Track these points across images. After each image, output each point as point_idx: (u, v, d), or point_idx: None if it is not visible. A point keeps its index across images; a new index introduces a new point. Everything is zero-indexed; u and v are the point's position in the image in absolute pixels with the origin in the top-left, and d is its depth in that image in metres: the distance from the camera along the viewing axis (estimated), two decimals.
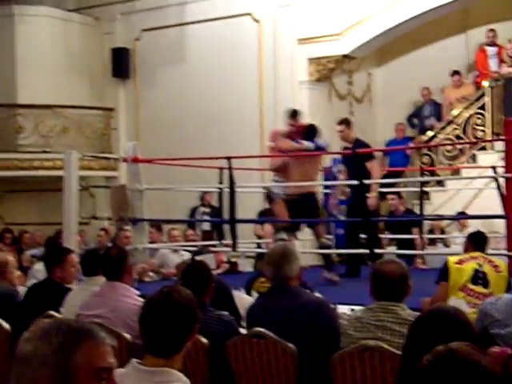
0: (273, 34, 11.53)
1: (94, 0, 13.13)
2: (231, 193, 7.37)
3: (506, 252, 6.22)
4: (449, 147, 11.05)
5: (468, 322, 2.31)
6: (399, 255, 7.35)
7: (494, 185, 7.59)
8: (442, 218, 9.85)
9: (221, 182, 8.46)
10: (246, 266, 9.45)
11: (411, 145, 11.58)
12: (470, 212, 9.64)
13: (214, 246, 8.29)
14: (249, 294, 5.34)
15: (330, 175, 9.94)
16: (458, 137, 11.01)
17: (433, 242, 9.77)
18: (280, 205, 7.58)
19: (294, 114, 7.74)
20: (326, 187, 9.43)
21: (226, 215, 7.87)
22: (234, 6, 11.79)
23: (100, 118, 13.00)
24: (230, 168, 7.41)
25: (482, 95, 10.94)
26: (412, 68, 12.51)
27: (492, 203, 7.47)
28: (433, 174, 10.88)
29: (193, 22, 12.19)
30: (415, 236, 8.67)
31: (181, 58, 12.35)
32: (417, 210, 9.06)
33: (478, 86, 11.50)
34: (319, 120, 10.88)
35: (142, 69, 12.81)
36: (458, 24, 12.30)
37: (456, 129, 11.06)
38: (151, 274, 8.28)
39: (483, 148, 10.92)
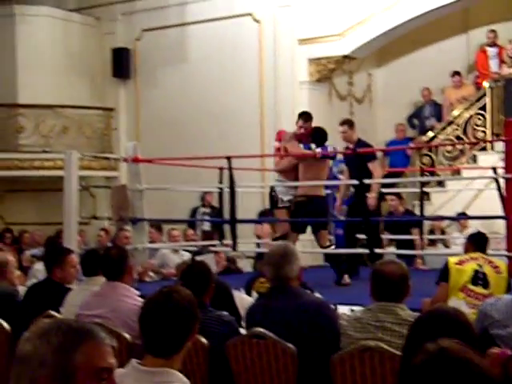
0: (273, 34, 11.53)
1: (95, 0, 13.13)
2: (231, 193, 7.37)
3: (506, 253, 6.22)
4: (449, 148, 11.05)
5: (468, 323, 2.31)
6: (399, 255, 7.36)
7: (494, 185, 7.58)
8: (441, 218, 9.85)
9: (221, 182, 8.46)
10: (246, 266, 9.44)
11: (411, 145, 11.58)
12: (470, 213, 9.63)
13: (214, 246, 8.29)
14: (249, 294, 5.34)
15: (330, 175, 9.94)
16: (458, 137, 11.01)
17: (433, 242, 9.77)
18: (283, 215, 7.58)
19: (307, 117, 7.70)
20: (327, 187, 9.43)
21: (226, 215, 7.87)
22: (235, 7, 11.79)
23: (100, 118, 13.00)
24: (230, 168, 7.41)
25: (483, 96, 10.94)
26: (412, 68, 12.51)
27: (492, 204, 7.46)
28: (433, 174, 10.88)
29: (193, 23, 12.19)
30: (415, 236, 8.67)
31: (181, 58, 12.35)
32: (417, 211, 9.06)
33: (478, 86, 11.50)
34: (319, 120, 10.91)
35: (143, 69, 12.82)
36: (458, 25, 12.31)
37: (456, 129, 11.06)
38: (151, 274, 8.28)
39: (483, 149, 10.92)
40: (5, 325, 4.61)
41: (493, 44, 11.53)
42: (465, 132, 10.99)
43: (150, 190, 8.14)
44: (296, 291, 3.86)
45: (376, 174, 7.68)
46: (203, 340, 3.72)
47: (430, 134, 11.31)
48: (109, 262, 4.43)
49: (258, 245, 9.25)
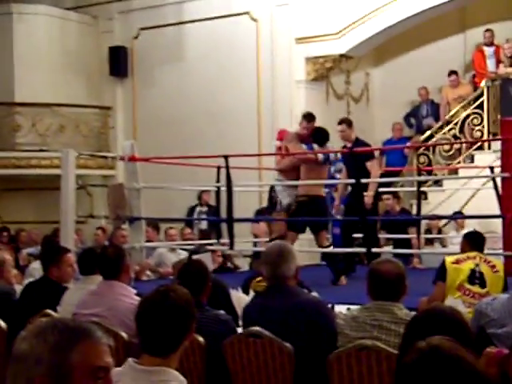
0: (270, 33, 11.52)
1: None
2: (228, 192, 7.37)
3: (502, 252, 6.24)
4: (446, 147, 11.06)
5: (464, 322, 2.32)
6: (396, 254, 7.37)
7: (491, 184, 7.59)
8: (438, 217, 9.86)
9: (218, 181, 8.46)
10: (243, 265, 9.44)
11: (409, 144, 11.59)
12: (467, 212, 9.65)
13: (211, 245, 8.28)
14: (246, 293, 5.34)
15: (328, 175, 9.94)
16: (455, 136, 11.03)
17: (430, 241, 9.78)
18: (281, 224, 7.60)
19: (310, 117, 7.70)
20: (325, 187, 9.44)
21: (223, 214, 7.87)
22: (232, 5, 11.78)
23: (97, 117, 12.98)
24: (227, 167, 7.41)
25: (480, 95, 10.95)
26: (410, 68, 12.52)
27: (489, 203, 7.47)
28: (430, 173, 10.89)
29: (191, 21, 12.18)
30: (412, 236, 8.68)
31: (178, 57, 12.34)
32: (414, 210, 9.07)
33: (475, 86, 11.52)
34: (317, 119, 10.91)
35: (140, 67, 12.80)
36: (455, 24, 12.32)
37: (453, 129, 11.08)
38: (148, 272, 8.27)
39: (480, 148, 10.93)
40: (1, 323, 4.60)
41: (490, 43, 11.54)
42: (462, 131, 11.00)
43: (147, 189, 8.14)
44: (293, 290, 3.86)
45: (374, 173, 7.70)
46: (200, 339, 3.72)
47: (427, 133, 11.32)
48: (106, 260, 4.43)
49: (255, 244, 9.25)
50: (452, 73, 11.66)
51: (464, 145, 11.02)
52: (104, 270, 4.43)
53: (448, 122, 11.20)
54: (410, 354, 1.64)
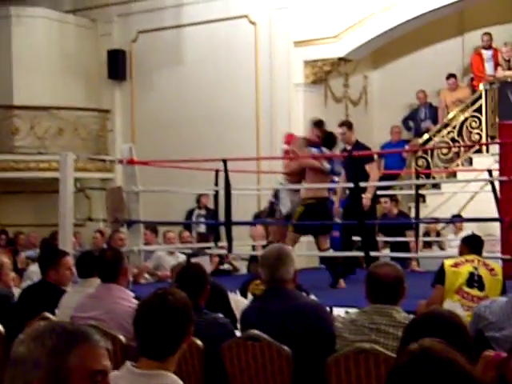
0: (269, 36, 11.53)
1: (91, 1, 13.13)
2: (227, 195, 7.37)
3: (500, 255, 6.23)
4: (444, 150, 11.07)
5: (462, 326, 2.32)
6: (395, 258, 7.37)
7: (489, 188, 7.60)
8: (436, 221, 9.87)
9: (216, 185, 8.46)
10: (241, 268, 9.43)
11: (407, 147, 11.60)
12: (465, 215, 9.65)
13: (209, 248, 8.28)
14: (244, 296, 5.34)
15: None
16: (453, 140, 11.03)
17: (428, 244, 9.79)
18: (278, 228, 7.58)
19: (320, 124, 7.71)
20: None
21: (221, 217, 7.87)
22: (231, 8, 11.80)
23: (96, 120, 12.99)
24: (225, 170, 7.42)
25: (478, 98, 10.96)
26: (408, 71, 12.53)
27: (487, 206, 7.48)
28: (428, 176, 10.90)
29: (189, 24, 12.19)
30: (410, 239, 8.68)
31: (177, 60, 12.35)
32: (413, 213, 9.07)
33: (473, 89, 11.53)
34: None
35: (139, 71, 12.81)
36: (453, 27, 12.34)
37: (451, 132, 11.08)
38: (146, 276, 8.27)
39: (479, 151, 10.94)
40: None
41: (488, 47, 11.55)
42: (460, 134, 11.01)
43: (145, 192, 8.13)
44: (291, 293, 3.86)
45: (373, 175, 7.74)
46: (198, 342, 3.72)
47: (426, 136, 11.33)
48: (104, 263, 4.43)
49: (254, 247, 9.25)
50: (450, 76, 11.68)
51: (462, 148, 11.03)
52: (102, 273, 4.43)
53: (446, 125, 11.21)
54: (401, 357, 1.64)
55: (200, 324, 3.58)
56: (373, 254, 6.94)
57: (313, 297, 4.77)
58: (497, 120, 10.34)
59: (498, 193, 6.89)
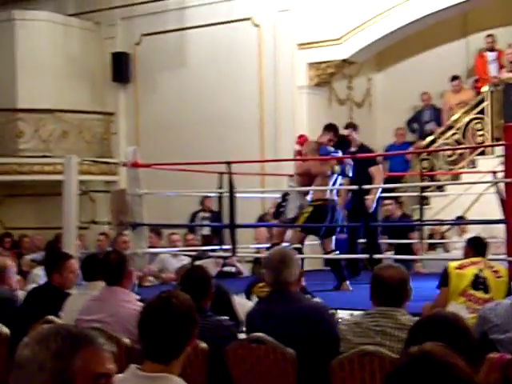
0: (273, 38, 11.54)
1: (95, 5, 13.14)
2: (231, 197, 7.37)
3: (506, 257, 6.22)
4: (449, 152, 11.05)
5: (467, 328, 2.31)
6: (399, 260, 7.35)
7: (493, 190, 7.58)
8: (440, 223, 9.85)
9: (220, 187, 8.46)
10: (246, 270, 9.43)
11: (411, 149, 11.59)
12: (469, 217, 9.63)
13: (213, 250, 8.28)
14: (248, 298, 5.34)
15: None
16: (457, 141, 11.02)
17: (433, 246, 9.77)
18: (282, 230, 7.58)
19: (332, 127, 7.70)
20: None
21: (225, 220, 7.87)
22: (234, 11, 11.80)
23: (100, 123, 13.00)
24: (229, 173, 7.42)
25: (482, 100, 10.95)
26: (412, 73, 12.52)
27: (492, 208, 7.46)
28: (433, 178, 10.88)
29: (193, 27, 12.20)
30: (414, 241, 8.67)
31: (181, 63, 12.36)
32: (417, 215, 9.05)
33: (477, 91, 11.52)
34: (319, 125, 10.91)
35: (142, 73, 12.82)
36: (457, 29, 12.32)
37: (456, 133, 11.07)
38: (151, 278, 8.27)
39: (483, 153, 10.93)
40: (4, 329, 4.60)
41: (491, 49, 11.54)
42: (464, 136, 11.00)
43: (149, 195, 8.14)
44: (295, 296, 3.86)
45: (377, 178, 7.77)
46: (203, 345, 3.72)
47: (430, 138, 11.32)
48: (108, 266, 4.43)
49: (258, 249, 9.25)
50: (454, 78, 11.67)
51: (467, 150, 11.02)
52: (107, 275, 4.43)
53: (450, 127, 11.20)
54: (401, 359, 1.64)
55: (204, 326, 3.58)
56: (377, 256, 6.93)
57: (317, 299, 4.77)
58: (501, 122, 10.32)
59: (503, 194, 6.87)
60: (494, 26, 11.87)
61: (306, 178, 7.51)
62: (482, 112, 10.90)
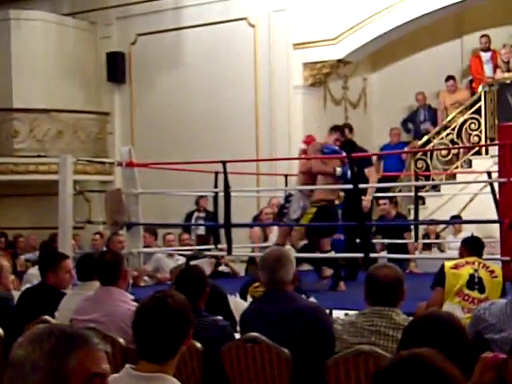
0: (268, 38, 11.54)
1: (90, 4, 13.13)
2: (226, 197, 7.37)
3: (500, 257, 6.23)
4: (444, 152, 11.07)
5: (461, 328, 2.31)
6: (393, 259, 7.36)
7: (488, 189, 7.60)
8: (435, 222, 9.87)
9: (216, 187, 8.46)
10: (240, 270, 9.43)
11: (406, 149, 11.60)
12: (465, 216, 9.65)
13: (209, 250, 8.28)
14: (244, 298, 5.34)
15: None
16: (452, 141, 11.04)
17: (428, 246, 9.79)
18: (285, 230, 7.58)
19: (337, 128, 7.71)
20: None
21: (221, 219, 7.87)
22: (230, 11, 11.80)
23: (95, 123, 12.99)
24: (225, 172, 7.41)
25: (477, 100, 10.97)
26: (407, 73, 12.54)
27: (487, 208, 7.48)
28: (428, 178, 10.90)
29: (188, 27, 12.19)
30: (409, 240, 8.68)
31: (176, 63, 12.35)
32: (412, 215, 9.07)
33: (472, 91, 11.54)
34: (314, 125, 10.94)
35: (138, 73, 12.81)
36: (452, 29, 12.35)
37: (451, 134, 11.09)
38: (146, 278, 8.26)
39: (478, 153, 10.95)
40: None
41: (486, 49, 11.57)
42: (459, 136, 11.02)
43: (144, 195, 8.13)
44: (291, 295, 3.86)
45: (372, 179, 7.81)
46: (198, 345, 3.71)
47: (425, 138, 11.33)
48: (103, 266, 4.42)
49: (253, 249, 9.25)
50: (449, 78, 11.68)
51: (462, 150, 11.04)
52: (102, 275, 4.42)
53: (445, 127, 11.22)
54: (390, 360, 1.64)
55: (199, 326, 3.58)
56: (371, 255, 6.93)
57: (312, 299, 4.77)
58: (496, 122, 10.35)
59: (498, 195, 6.89)
60: (488, 26, 11.89)
61: (308, 177, 7.51)
62: (476, 112, 10.91)
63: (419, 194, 8.89)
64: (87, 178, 12.14)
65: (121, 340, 3.95)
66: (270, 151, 11.23)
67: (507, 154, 6.36)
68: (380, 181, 9.43)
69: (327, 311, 4.27)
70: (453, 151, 11.06)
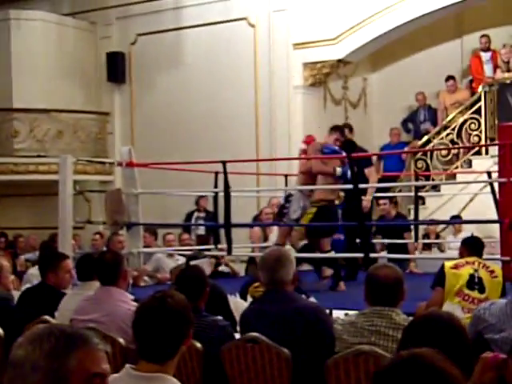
0: (268, 38, 11.54)
1: (90, 4, 13.13)
2: (226, 197, 7.37)
3: (500, 257, 6.23)
4: (444, 152, 11.07)
5: (461, 328, 2.31)
6: (393, 259, 7.36)
7: (488, 189, 7.60)
8: (435, 222, 9.87)
9: (216, 187, 8.46)
10: (241, 270, 9.43)
11: (406, 149, 11.60)
12: (465, 216, 9.65)
13: (209, 250, 8.28)
14: (244, 298, 5.34)
15: None
16: (452, 141, 11.04)
17: (428, 246, 9.79)
18: (285, 230, 7.58)
19: (337, 128, 7.71)
20: None
21: (221, 219, 7.87)
22: (230, 11, 11.80)
23: (95, 123, 12.99)
24: (225, 172, 7.42)
25: (477, 100, 10.97)
26: (407, 73, 12.54)
27: (487, 208, 7.48)
28: (428, 178, 10.90)
29: (188, 27, 12.20)
30: (408, 240, 8.68)
31: (176, 63, 12.35)
32: (412, 215, 9.07)
33: (472, 91, 11.54)
34: (314, 125, 10.94)
35: (138, 73, 12.81)
36: (452, 29, 12.35)
37: (451, 134, 11.09)
38: (146, 278, 8.26)
39: (478, 153, 10.95)
40: None
41: (486, 49, 11.57)
42: (459, 136, 11.02)
43: (144, 195, 8.13)
44: (291, 295, 3.86)
45: (372, 179, 7.83)
46: (198, 345, 3.71)
47: (425, 138, 11.34)
48: (103, 266, 4.42)
49: (253, 249, 9.26)
50: (449, 78, 11.69)
51: (462, 150, 11.04)
52: (102, 275, 4.42)
53: (445, 127, 11.22)
54: (391, 360, 1.64)
55: (199, 326, 3.58)
56: (371, 255, 6.93)
57: (312, 299, 4.77)
58: (496, 122, 10.35)
59: (498, 195, 6.89)
60: (488, 26, 11.89)
61: (308, 176, 7.51)
62: (476, 112, 10.92)
63: (419, 194, 8.89)
64: (87, 178, 12.14)
65: (121, 340, 3.95)
66: (269, 151, 11.23)
67: (507, 154, 6.36)
68: (380, 181, 9.43)
69: (327, 311, 4.27)
70: (453, 151, 11.06)
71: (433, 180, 10.99)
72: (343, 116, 12.20)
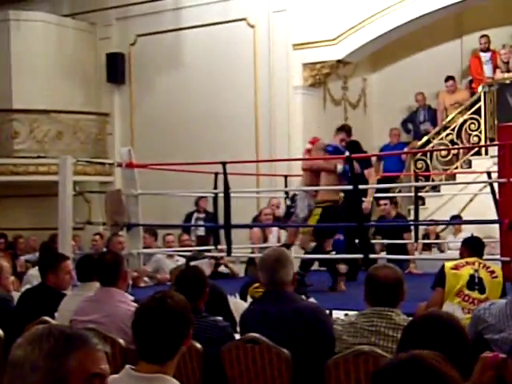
0: (267, 39, 11.54)
1: (90, 5, 13.13)
2: (226, 198, 7.37)
3: (500, 257, 6.23)
4: (443, 152, 11.08)
5: (461, 328, 2.31)
6: (393, 260, 7.36)
7: (488, 190, 7.60)
8: (434, 222, 9.87)
9: (215, 188, 8.46)
10: (240, 271, 9.43)
11: (406, 150, 11.61)
12: (464, 217, 9.66)
13: (209, 251, 8.28)
14: (244, 299, 5.34)
15: None
16: (452, 142, 11.04)
17: (428, 246, 9.79)
18: (292, 230, 7.57)
19: (342, 128, 7.71)
20: None
21: (220, 220, 7.87)
22: (230, 12, 11.80)
23: (95, 123, 12.99)
24: (224, 173, 7.42)
25: (477, 101, 10.97)
26: (407, 73, 12.55)
27: (487, 208, 7.48)
28: (428, 179, 10.91)
29: (188, 28, 12.20)
30: (408, 241, 8.67)
31: (176, 63, 12.35)
32: (412, 215, 9.07)
33: (472, 91, 11.55)
34: (313, 125, 10.94)
35: (138, 74, 12.81)
36: (452, 30, 12.36)
37: (450, 134, 11.09)
38: (146, 279, 8.26)
39: (478, 153, 10.95)
40: None
41: (485, 49, 11.58)
42: (459, 137, 11.02)
43: (144, 196, 8.13)
44: (290, 296, 3.86)
45: (371, 180, 7.85)
46: (197, 345, 3.71)
47: (425, 138, 11.34)
48: (103, 267, 4.42)
49: (253, 250, 9.25)
50: (449, 78, 11.69)
51: (461, 150, 11.04)
52: (102, 276, 4.42)
53: (445, 128, 11.22)
54: (389, 360, 1.64)
55: (199, 327, 3.58)
56: (371, 256, 6.93)
57: (312, 299, 4.77)
58: (496, 122, 10.35)
59: (497, 195, 6.89)
60: (488, 26, 11.90)
61: (311, 174, 7.51)
62: (476, 112, 10.92)
63: (419, 194, 8.89)
64: (87, 179, 12.14)
65: (121, 341, 3.95)
66: (269, 152, 11.23)
67: (507, 155, 6.36)
68: (380, 181, 9.43)
69: (327, 312, 4.27)
70: (452, 151, 11.07)
71: (433, 180, 10.99)
72: (343, 116, 12.20)
